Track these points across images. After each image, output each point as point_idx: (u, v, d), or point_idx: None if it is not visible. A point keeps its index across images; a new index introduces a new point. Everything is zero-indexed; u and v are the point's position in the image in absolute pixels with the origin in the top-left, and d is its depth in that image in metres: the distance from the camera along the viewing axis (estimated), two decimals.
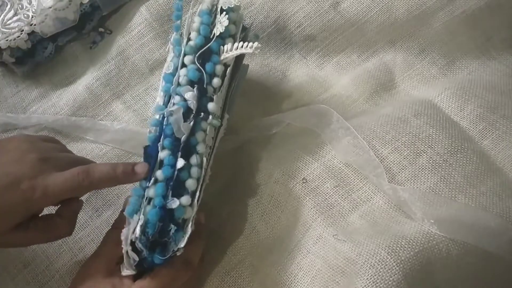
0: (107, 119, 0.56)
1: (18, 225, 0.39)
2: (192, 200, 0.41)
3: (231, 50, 0.44)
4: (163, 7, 0.58)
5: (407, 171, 0.46)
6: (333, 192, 0.47)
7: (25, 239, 0.41)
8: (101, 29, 0.59)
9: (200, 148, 0.42)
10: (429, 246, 0.41)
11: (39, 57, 0.57)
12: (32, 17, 0.55)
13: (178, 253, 0.40)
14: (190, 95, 0.42)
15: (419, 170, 0.46)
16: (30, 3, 0.55)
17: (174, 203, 0.39)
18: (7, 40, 0.54)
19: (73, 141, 0.55)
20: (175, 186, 0.40)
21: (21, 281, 0.49)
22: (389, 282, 0.39)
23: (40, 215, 0.42)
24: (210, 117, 0.43)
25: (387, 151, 0.47)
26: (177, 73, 0.44)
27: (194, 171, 0.41)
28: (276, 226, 0.47)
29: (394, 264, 0.40)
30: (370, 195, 0.47)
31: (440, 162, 0.46)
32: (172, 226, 0.39)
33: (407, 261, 0.40)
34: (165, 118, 0.42)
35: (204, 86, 0.43)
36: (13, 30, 0.55)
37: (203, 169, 0.42)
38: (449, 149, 0.47)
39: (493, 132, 0.49)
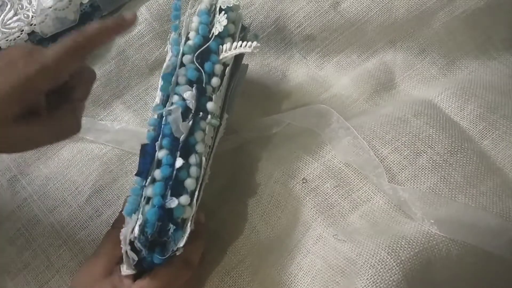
0: (107, 119, 0.56)
1: (21, 116, 0.36)
2: (191, 200, 0.41)
3: (230, 49, 0.44)
4: (163, 7, 0.58)
5: (407, 171, 0.46)
6: (333, 192, 0.47)
7: (28, 134, 0.38)
8: None
9: (199, 147, 0.42)
10: (429, 246, 0.41)
11: None
12: (32, 17, 0.55)
13: (177, 253, 0.40)
14: (189, 94, 0.42)
15: (419, 170, 0.46)
16: (30, 3, 0.56)
17: (173, 203, 0.39)
18: (7, 40, 0.54)
19: (73, 141, 0.54)
20: (174, 185, 0.40)
21: (21, 281, 0.49)
22: (389, 282, 0.39)
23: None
24: (209, 116, 0.43)
25: (387, 151, 0.47)
26: (175, 73, 0.44)
27: (193, 170, 0.41)
28: (276, 226, 0.47)
29: (394, 264, 0.40)
30: (370, 195, 0.47)
31: (440, 162, 0.46)
32: (171, 225, 0.39)
33: (407, 261, 0.40)
34: (164, 118, 0.42)
35: (203, 85, 0.43)
36: (13, 30, 0.55)
37: (202, 169, 0.42)
38: (449, 149, 0.47)
39: (493, 132, 0.49)
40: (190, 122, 0.42)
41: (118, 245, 0.40)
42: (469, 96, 0.51)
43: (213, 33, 0.45)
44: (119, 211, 0.45)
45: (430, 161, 0.46)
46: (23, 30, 0.55)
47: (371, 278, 0.39)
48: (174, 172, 0.40)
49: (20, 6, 0.56)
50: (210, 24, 0.46)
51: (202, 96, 0.43)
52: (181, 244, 0.40)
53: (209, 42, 0.44)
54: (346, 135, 0.49)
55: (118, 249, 0.41)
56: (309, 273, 0.44)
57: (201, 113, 0.43)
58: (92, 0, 0.57)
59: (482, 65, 0.56)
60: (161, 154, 0.41)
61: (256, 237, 0.47)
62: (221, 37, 0.45)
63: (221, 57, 0.45)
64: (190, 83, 0.43)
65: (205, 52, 0.44)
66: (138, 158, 0.42)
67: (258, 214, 0.48)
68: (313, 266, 0.44)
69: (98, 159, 0.53)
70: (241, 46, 0.43)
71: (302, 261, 0.45)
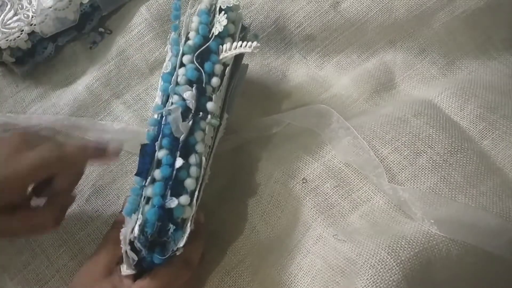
0: (107, 119, 0.56)
1: (1, 209, 0.38)
2: (191, 200, 0.41)
3: (230, 49, 0.44)
4: (163, 7, 0.58)
5: (407, 171, 0.46)
6: (333, 192, 0.47)
7: (6, 227, 0.39)
8: (101, 29, 0.59)
9: (199, 147, 0.42)
10: (429, 246, 0.41)
11: (39, 57, 0.57)
12: (32, 17, 0.55)
13: (177, 253, 0.40)
14: (188, 94, 0.42)
15: (419, 170, 0.46)
16: (30, 3, 0.56)
17: (173, 203, 0.39)
18: (7, 40, 0.54)
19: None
20: (174, 185, 0.40)
21: (21, 281, 0.49)
22: (389, 282, 0.39)
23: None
24: (209, 116, 0.43)
25: (387, 151, 0.47)
26: (175, 73, 0.44)
27: (193, 170, 0.41)
28: (276, 226, 0.47)
29: (394, 264, 0.40)
30: (370, 195, 0.47)
31: (440, 162, 0.46)
32: (171, 225, 0.39)
33: (407, 261, 0.40)
34: (164, 118, 0.42)
35: (203, 85, 0.43)
36: (13, 30, 0.55)
37: (202, 169, 0.42)
38: (449, 149, 0.47)
39: (493, 132, 0.49)
40: (190, 122, 0.42)
41: (118, 245, 0.40)
42: (469, 96, 0.51)
43: (213, 33, 0.45)
44: (119, 211, 0.45)
45: (430, 161, 0.46)
46: (23, 30, 0.55)
47: (371, 278, 0.39)
48: (174, 172, 0.40)
49: (20, 6, 0.56)
50: (210, 24, 0.46)
51: (202, 96, 0.43)
52: (181, 244, 0.40)
53: (209, 42, 0.44)
54: (346, 135, 0.49)
55: (118, 249, 0.41)
56: (309, 273, 0.44)
57: (201, 113, 0.43)
58: (92, 0, 0.57)
59: (482, 65, 0.56)
60: (161, 154, 0.41)
61: (256, 237, 0.47)
62: (221, 37, 0.45)
63: (221, 57, 0.44)
64: (190, 83, 0.43)
65: (205, 52, 0.44)
66: (138, 158, 0.42)
67: (258, 214, 0.48)
68: (313, 266, 0.44)
69: None
70: (241, 46, 0.43)
71: (302, 261, 0.45)
